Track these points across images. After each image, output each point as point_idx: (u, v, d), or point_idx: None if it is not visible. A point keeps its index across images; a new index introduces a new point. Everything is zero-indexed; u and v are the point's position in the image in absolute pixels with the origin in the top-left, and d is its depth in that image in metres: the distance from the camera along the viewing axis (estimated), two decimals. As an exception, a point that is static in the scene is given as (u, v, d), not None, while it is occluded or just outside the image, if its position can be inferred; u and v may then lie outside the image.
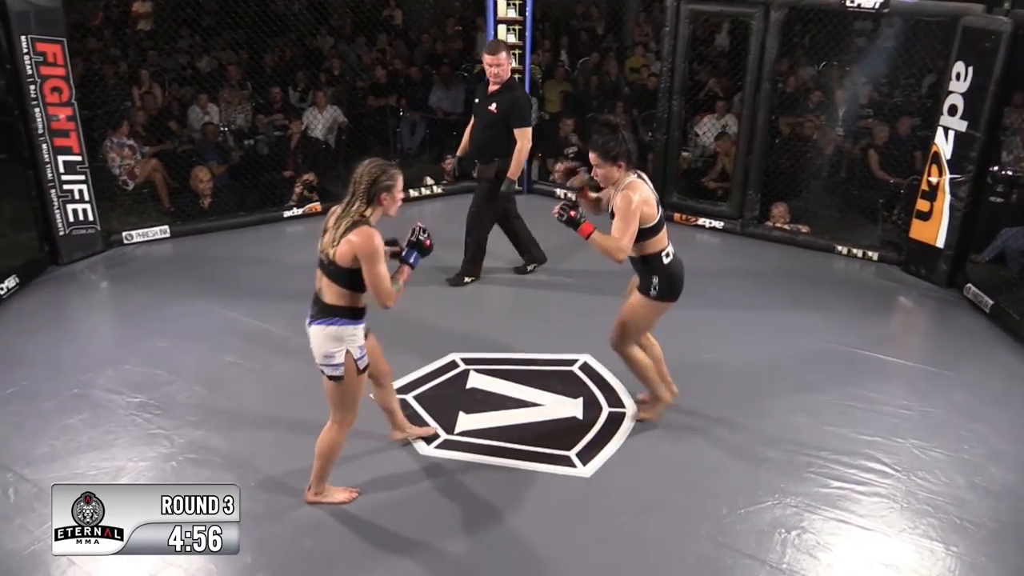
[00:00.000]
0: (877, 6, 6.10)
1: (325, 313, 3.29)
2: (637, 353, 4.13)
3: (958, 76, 5.82)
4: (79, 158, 6.01)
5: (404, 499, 3.71)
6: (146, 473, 3.84)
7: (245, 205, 7.21)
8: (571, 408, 4.42)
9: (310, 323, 3.34)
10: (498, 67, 5.40)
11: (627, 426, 4.27)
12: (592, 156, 3.80)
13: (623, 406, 4.44)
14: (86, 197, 6.10)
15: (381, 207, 3.28)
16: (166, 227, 6.69)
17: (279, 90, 8.46)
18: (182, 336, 5.08)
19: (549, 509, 3.69)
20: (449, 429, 4.20)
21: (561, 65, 9.49)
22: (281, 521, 3.54)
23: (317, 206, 7.17)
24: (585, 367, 4.82)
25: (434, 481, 3.83)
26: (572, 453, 4.04)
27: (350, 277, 3.24)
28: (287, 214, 7.14)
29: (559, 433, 4.20)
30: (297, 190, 7.36)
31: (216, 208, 7.04)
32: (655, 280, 3.95)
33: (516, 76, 7.58)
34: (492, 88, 5.47)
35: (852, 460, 4.06)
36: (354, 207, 3.24)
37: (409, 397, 4.44)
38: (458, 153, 5.86)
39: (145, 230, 6.60)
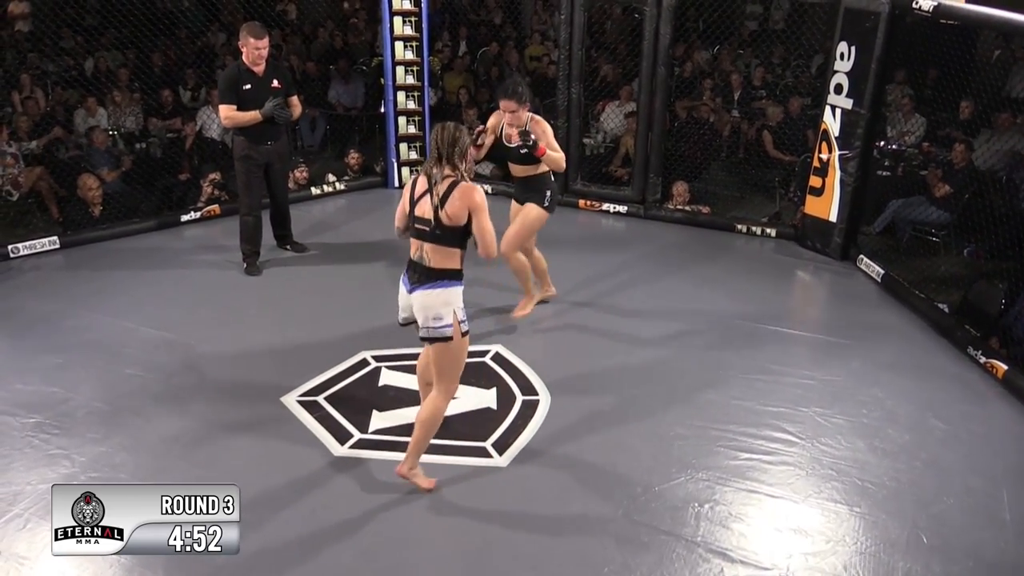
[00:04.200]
0: (763, -11, 6.27)
1: (432, 277, 3.43)
2: (521, 257, 5.07)
3: (842, 56, 6.03)
4: (-45, 169, 5.69)
5: (319, 502, 3.65)
6: (47, 496, 3.66)
7: (140, 211, 6.92)
8: (485, 399, 4.42)
9: (412, 289, 3.47)
10: (266, 49, 5.64)
11: (541, 414, 4.30)
12: (508, 103, 4.64)
13: (536, 393, 4.47)
14: (-35, 210, 5.77)
15: (465, 163, 3.42)
16: (55, 238, 6.35)
17: (170, 91, 8.17)
18: (78, 350, 4.86)
19: (468, 501, 3.69)
20: (363, 428, 4.15)
21: (461, 58, 9.46)
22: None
23: (217, 208, 6.96)
24: (497, 357, 4.83)
25: (350, 482, 3.78)
26: (488, 444, 4.05)
27: (462, 235, 3.41)
28: (185, 218, 6.89)
29: (474, 424, 4.20)
30: (208, 190, 7.12)
31: (108, 215, 6.72)
32: (548, 194, 4.93)
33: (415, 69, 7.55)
34: (260, 68, 5.66)
35: (759, 431, 4.19)
36: (444, 170, 3.37)
37: (320, 399, 4.37)
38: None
39: (32, 242, 6.26)
